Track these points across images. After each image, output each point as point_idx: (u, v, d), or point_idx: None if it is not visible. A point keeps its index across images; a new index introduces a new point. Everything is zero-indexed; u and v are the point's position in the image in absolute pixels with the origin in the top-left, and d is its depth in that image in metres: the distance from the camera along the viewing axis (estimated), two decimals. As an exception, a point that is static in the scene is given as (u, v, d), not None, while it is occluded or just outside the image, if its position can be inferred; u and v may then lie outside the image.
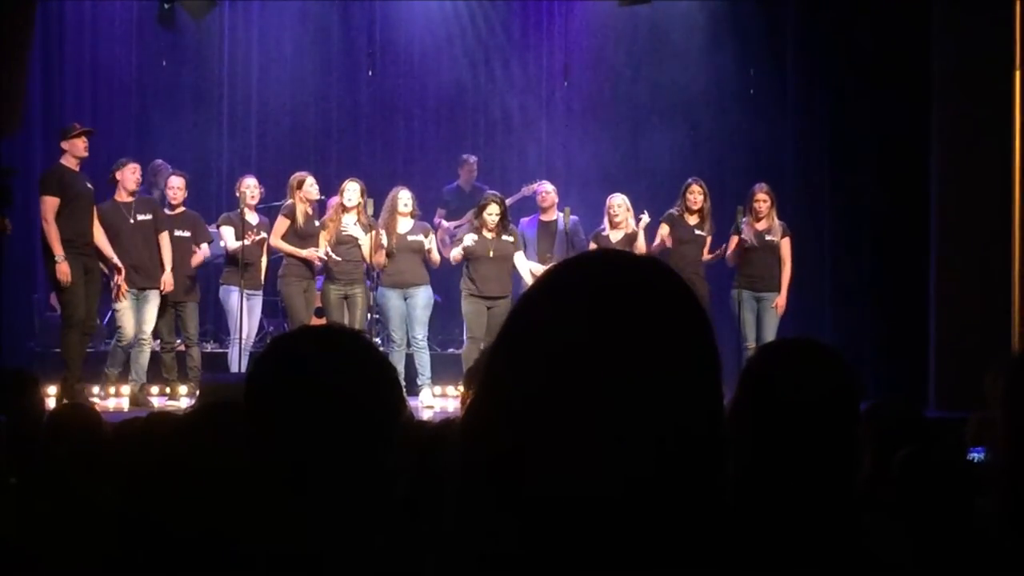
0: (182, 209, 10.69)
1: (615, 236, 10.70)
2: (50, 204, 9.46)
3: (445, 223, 12.27)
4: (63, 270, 9.39)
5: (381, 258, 10.35)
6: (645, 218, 10.79)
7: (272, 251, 10.79)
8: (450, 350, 12.61)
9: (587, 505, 1.17)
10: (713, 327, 1.27)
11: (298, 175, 10.72)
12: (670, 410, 1.19)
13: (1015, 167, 10.17)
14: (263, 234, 10.64)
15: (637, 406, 1.18)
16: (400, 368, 10.00)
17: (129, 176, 10.21)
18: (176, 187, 10.63)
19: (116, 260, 9.88)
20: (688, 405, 1.21)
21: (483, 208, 10.53)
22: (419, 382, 10.53)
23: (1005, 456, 2.55)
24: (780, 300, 10.55)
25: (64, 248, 9.40)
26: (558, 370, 1.19)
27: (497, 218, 10.45)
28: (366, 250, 10.36)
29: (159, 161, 11.92)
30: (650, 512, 1.17)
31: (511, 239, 10.57)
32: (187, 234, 10.59)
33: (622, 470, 1.17)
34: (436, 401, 10.65)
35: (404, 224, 10.49)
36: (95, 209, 9.83)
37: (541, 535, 1.17)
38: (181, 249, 10.49)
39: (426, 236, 10.57)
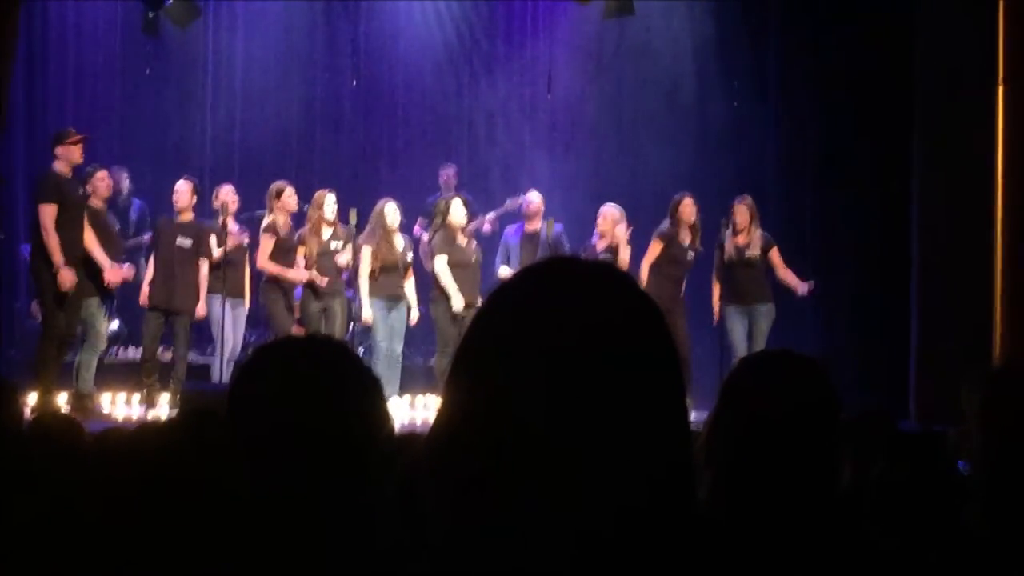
0: (189, 217, 10.47)
1: (600, 247, 10.66)
2: (49, 212, 9.24)
3: (425, 236, 12.19)
4: (66, 277, 9.23)
5: (372, 274, 10.35)
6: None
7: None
8: (433, 361, 12.57)
9: (552, 516, 1.16)
10: (671, 334, 1.26)
11: (277, 184, 10.65)
12: (631, 418, 1.19)
13: (997, 182, 10.20)
14: (245, 240, 10.59)
15: (596, 416, 1.17)
16: (385, 377, 9.98)
17: (99, 184, 10.12)
18: (179, 191, 10.39)
19: (107, 264, 9.74)
20: (648, 411, 1.20)
21: (448, 211, 10.53)
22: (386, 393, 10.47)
23: (982, 469, 2.56)
24: (802, 286, 10.49)
25: (48, 260, 9.24)
26: (516, 381, 1.19)
27: (465, 213, 10.48)
28: (345, 260, 10.34)
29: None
30: (619, 524, 1.17)
31: (475, 244, 10.68)
32: (187, 245, 10.34)
33: (585, 481, 1.16)
34: (407, 412, 10.61)
35: (398, 240, 10.48)
36: (86, 216, 9.69)
37: (510, 546, 1.17)
38: (182, 260, 10.31)
39: (409, 251, 10.59)
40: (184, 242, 10.34)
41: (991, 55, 10.24)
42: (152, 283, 10.32)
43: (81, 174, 10.00)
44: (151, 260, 10.47)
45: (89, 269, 9.72)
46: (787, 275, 10.60)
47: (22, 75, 12.10)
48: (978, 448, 2.55)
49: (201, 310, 10.40)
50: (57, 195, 9.33)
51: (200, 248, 10.41)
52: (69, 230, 9.39)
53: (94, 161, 10.57)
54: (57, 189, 9.36)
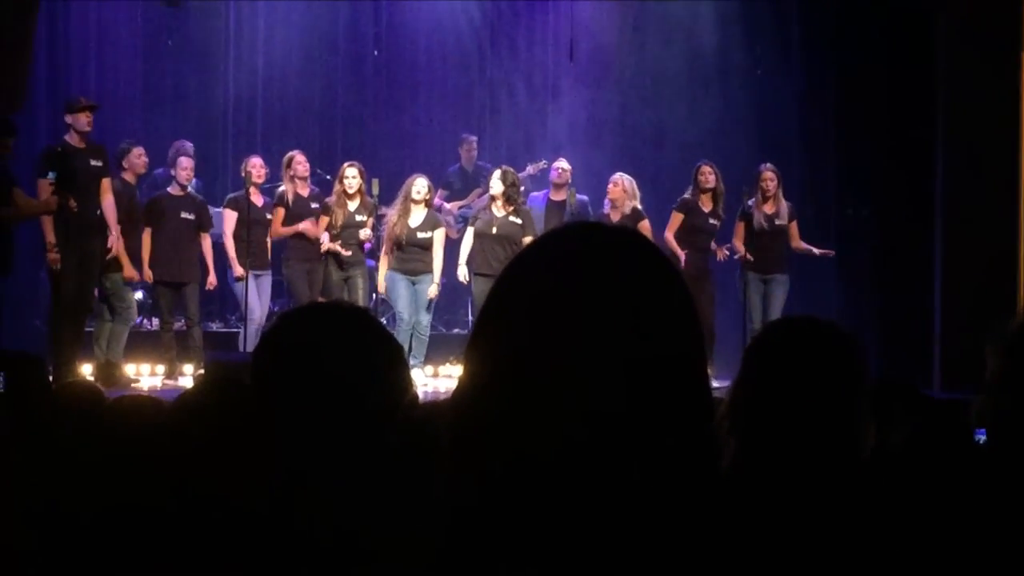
0: (187, 192, 10.60)
1: (614, 217, 10.55)
2: (44, 186, 9.22)
3: (447, 205, 12.20)
4: (52, 258, 9.26)
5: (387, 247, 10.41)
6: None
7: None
8: (455, 330, 12.58)
9: (573, 474, 1.15)
10: (693, 301, 1.25)
11: (288, 154, 10.74)
12: (651, 386, 1.17)
13: (1021, 146, 10.14)
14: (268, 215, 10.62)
15: (616, 384, 1.16)
16: (405, 346, 9.98)
17: (136, 160, 10.18)
18: (186, 167, 10.51)
19: (114, 237, 9.71)
20: (670, 380, 1.19)
21: (490, 183, 10.58)
22: (411, 363, 10.50)
23: (998, 435, 2.55)
24: (821, 251, 10.62)
25: (58, 232, 9.20)
26: (538, 343, 1.18)
27: (500, 188, 10.39)
28: (365, 235, 10.40)
29: (186, 143, 11.81)
30: (644, 496, 1.16)
31: (519, 221, 10.46)
32: (191, 217, 10.47)
33: (606, 448, 1.15)
34: (430, 381, 10.69)
35: (416, 217, 10.44)
36: (106, 185, 9.64)
37: (528, 505, 1.16)
38: (185, 232, 10.42)
39: (435, 229, 10.51)
40: (188, 216, 10.45)
41: (1015, 21, 10.18)
42: (156, 259, 10.34)
43: (114, 150, 10.08)
44: (147, 235, 10.41)
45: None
46: (801, 245, 10.63)
47: (44, 49, 12.13)
48: (998, 401, 2.53)
49: (212, 280, 10.57)
50: (52, 168, 9.22)
51: (202, 221, 10.55)
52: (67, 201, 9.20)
53: (122, 134, 10.71)
54: (54, 162, 9.28)
